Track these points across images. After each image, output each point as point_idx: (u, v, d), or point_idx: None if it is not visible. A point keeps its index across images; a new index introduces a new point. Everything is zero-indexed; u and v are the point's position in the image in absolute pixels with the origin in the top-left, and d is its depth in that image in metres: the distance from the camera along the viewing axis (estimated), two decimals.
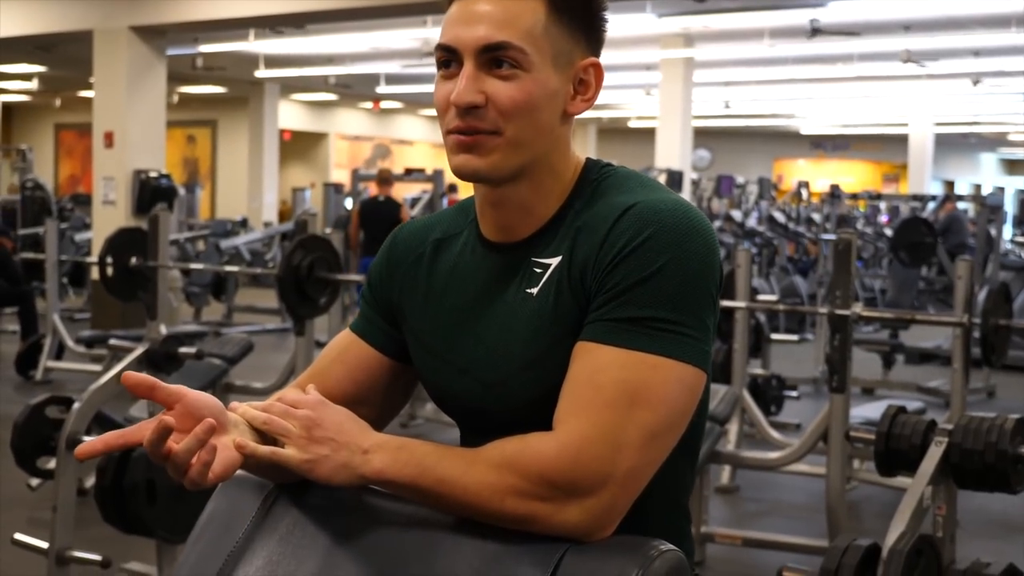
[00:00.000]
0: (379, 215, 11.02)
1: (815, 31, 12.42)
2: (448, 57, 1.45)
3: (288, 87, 21.46)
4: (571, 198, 1.49)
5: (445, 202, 12.89)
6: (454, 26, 1.44)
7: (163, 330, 6.40)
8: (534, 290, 1.46)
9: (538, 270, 1.46)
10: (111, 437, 1.32)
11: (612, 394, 1.33)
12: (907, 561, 2.63)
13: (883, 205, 18.01)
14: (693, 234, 1.38)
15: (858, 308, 4.63)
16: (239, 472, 1.40)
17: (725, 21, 12.46)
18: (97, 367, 8.95)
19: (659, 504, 1.45)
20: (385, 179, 11.59)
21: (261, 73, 17.50)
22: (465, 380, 1.51)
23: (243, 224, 14.74)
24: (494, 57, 1.42)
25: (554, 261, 1.45)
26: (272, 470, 1.41)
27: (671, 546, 1.30)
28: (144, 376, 1.33)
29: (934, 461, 2.89)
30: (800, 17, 12.47)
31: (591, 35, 1.49)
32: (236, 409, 1.41)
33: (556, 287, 1.44)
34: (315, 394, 1.43)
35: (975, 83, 17.23)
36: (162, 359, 4.31)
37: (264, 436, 1.41)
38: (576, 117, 1.52)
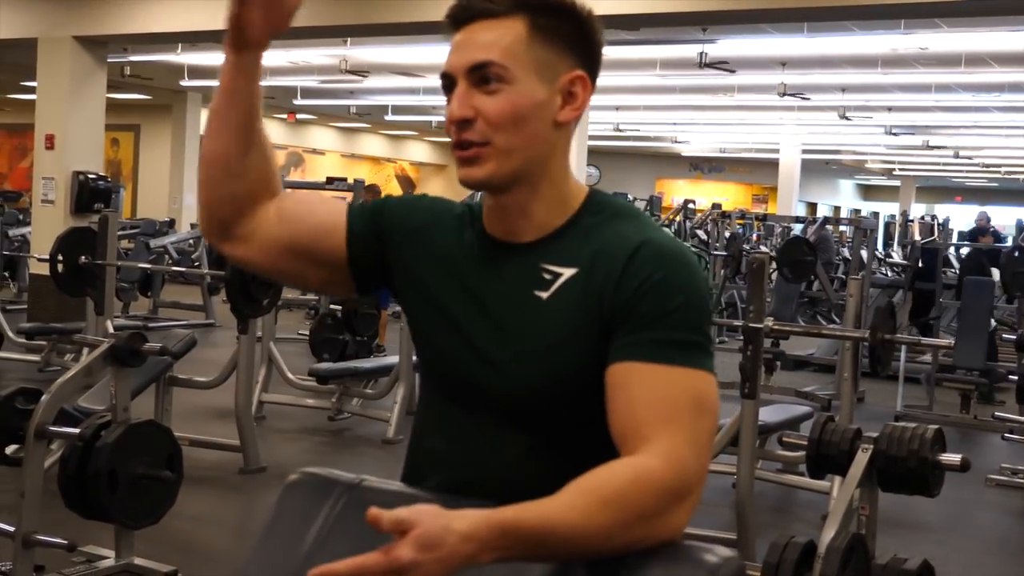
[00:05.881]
0: None
1: (704, 64, 12.58)
2: (448, 83, 1.51)
3: (210, 97, 21.01)
4: (578, 215, 1.53)
5: None
6: (450, 56, 1.51)
7: (110, 325, 6.27)
8: (545, 294, 1.48)
9: (548, 276, 1.49)
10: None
11: (687, 405, 1.38)
12: (843, 557, 2.69)
13: (754, 224, 18.29)
14: (696, 270, 1.49)
15: (769, 322, 4.71)
16: (306, 474, 1.37)
17: (621, 52, 12.55)
18: (35, 357, 8.73)
19: None
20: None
21: (185, 83, 17.20)
22: (464, 349, 1.51)
23: (171, 224, 14.47)
24: (481, 75, 1.47)
25: (567, 272, 1.48)
26: None
27: (730, 551, 1.30)
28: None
29: (861, 466, 2.95)
30: (690, 51, 12.65)
31: (577, 51, 1.51)
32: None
33: (570, 296, 1.47)
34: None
35: (841, 116, 17.61)
36: (127, 355, 4.20)
37: None
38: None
